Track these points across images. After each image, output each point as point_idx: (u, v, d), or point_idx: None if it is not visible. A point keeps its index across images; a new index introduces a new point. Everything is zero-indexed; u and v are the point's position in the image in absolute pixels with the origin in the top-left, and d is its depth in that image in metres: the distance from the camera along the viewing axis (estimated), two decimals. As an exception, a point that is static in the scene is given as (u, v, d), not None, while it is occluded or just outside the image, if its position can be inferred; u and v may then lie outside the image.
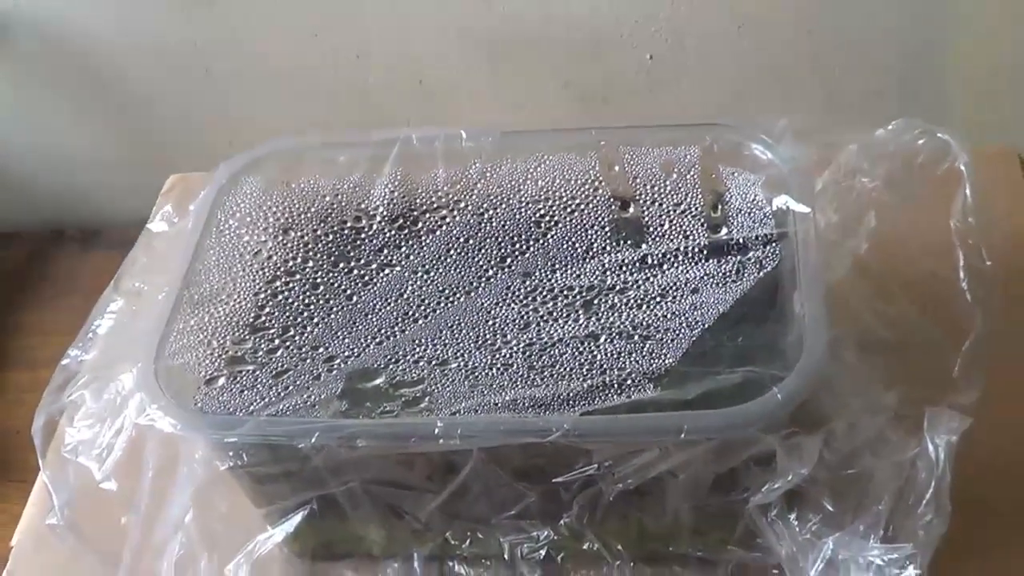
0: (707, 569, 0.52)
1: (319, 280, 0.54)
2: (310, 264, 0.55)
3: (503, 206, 0.56)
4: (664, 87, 1.07)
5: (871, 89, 1.05)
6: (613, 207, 0.55)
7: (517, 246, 0.54)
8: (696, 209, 0.54)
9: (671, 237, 0.53)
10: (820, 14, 1.01)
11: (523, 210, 0.56)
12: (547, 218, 0.55)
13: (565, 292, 0.52)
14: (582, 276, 0.52)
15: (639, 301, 0.50)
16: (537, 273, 0.53)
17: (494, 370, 0.48)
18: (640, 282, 0.51)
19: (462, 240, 0.55)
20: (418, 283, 0.53)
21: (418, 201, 0.57)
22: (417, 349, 0.50)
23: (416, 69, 1.12)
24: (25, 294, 1.24)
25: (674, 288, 0.51)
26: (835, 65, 1.05)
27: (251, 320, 0.53)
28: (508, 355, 0.49)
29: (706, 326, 0.49)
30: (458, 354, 0.49)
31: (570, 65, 1.08)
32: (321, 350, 0.51)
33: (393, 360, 0.50)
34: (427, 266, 0.54)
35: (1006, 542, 0.53)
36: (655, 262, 0.52)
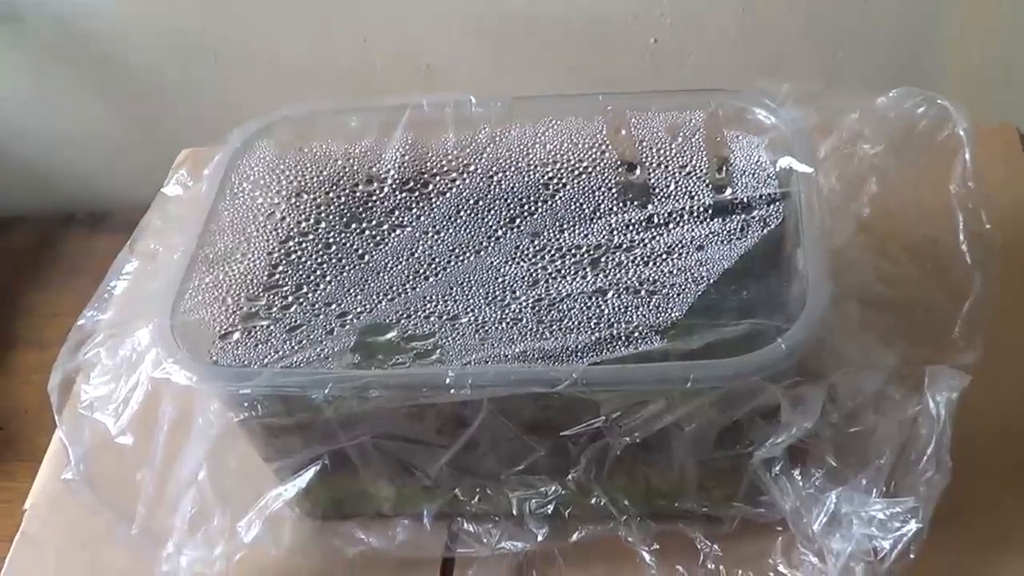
0: (712, 525, 0.53)
1: (331, 240, 0.55)
2: (323, 225, 0.56)
3: (512, 169, 0.57)
4: (667, 70, 1.08)
5: (871, 73, 1.06)
6: (620, 170, 0.56)
7: (526, 207, 0.55)
8: (701, 171, 0.54)
9: (677, 198, 0.54)
10: (822, -3, 1.02)
11: (531, 173, 0.57)
12: (555, 180, 0.56)
13: (573, 251, 0.53)
14: (590, 235, 0.53)
15: (645, 258, 0.51)
16: (545, 233, 0.54)
17: (504, 324, 0.49)
18: (646, 240, 0.52)
19: (472, 202, 0.56)
20: (429, 243, 0.54)
21: (428, 165, 0.58)
22: (428, 305, 0.51)
23: (422, 54, 1.13)
24: (34, 276, 1.26)
25: (680, 246, 0.51)
26: (836, 49, 1.06)
27: (265, 278, 0.54)
28: (517, 310, 0.50)
29: (711, 281, 0.49)
30: (468, 309, 0.50)
31: (575, 48, 1.09)
32: (334, 306, 0.52)
33: (405, 315, 0.50)
34: (437, 227, 0.55)
35: (1003, 499, 0.54)
36: (661, 221, 0.53)
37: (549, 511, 0.52)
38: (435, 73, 1.13)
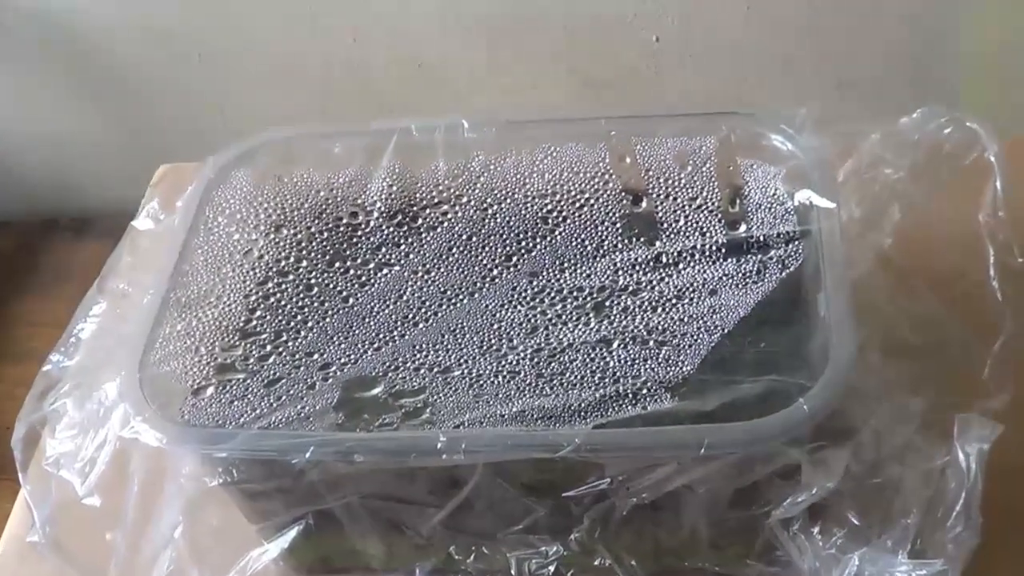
0: (725, 583, 0.50)
1: (313, 281, 0.52)
2: (304, 264, 0.53)
3: (508, 201, 0.54)
4: (670, 71, 1.05)
5: (879, 74, 1.04)
6: (624, 201, 0.53)
7: (523, 244, 0.52)
8: (713, 204, 0.51)
9: (687, 234, 0.51)
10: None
11: (529, 205, 0.54)
12: (554, 213, 0.53)
13: (575, 293, 0.50)
14: (592, 276, 0.50)
15: (653, 303, 0.48)
16: (544, 273, 0.51)
17: (500, 378, 0.46)
18: (654, 283, 0.49)
19: (465, 237, 0.53)
20: (418, 284, 0.51)
21: (418, 196, 0.55)
22: (418, 355, 0.48)
23: (414, 53, 1.10)
24: (17, 284, 1.23)
25: (691, 289, 0.48)
26: (843, 48, 1.03)
27: (241, 324, 0.51)
28: (514, 362, 0.47)
29: (726, 331, 0.46)
30: (461, 361, 0.47)
31: (573, 47, 1.06)
32: (316, 357, 0.49)
33: (392, 367, 0.48)
34: (428, 265, 0.52)
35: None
36: (670, 261, 0.50)
37: (550, 572, 0.49)
38: (428, 73, 1.10)
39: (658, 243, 0.50)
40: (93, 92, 1.22)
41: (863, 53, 1.03)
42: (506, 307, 0.49)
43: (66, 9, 1.13)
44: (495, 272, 0.51)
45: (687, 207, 0.52)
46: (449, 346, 0.48)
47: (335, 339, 0.49)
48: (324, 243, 0.54)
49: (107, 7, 1.13)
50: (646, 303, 0.48)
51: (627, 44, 1.04)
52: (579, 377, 0.46)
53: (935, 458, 0.45)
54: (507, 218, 0.53)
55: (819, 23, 1.01)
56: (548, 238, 0.52)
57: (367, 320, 0.50)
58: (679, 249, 0.50)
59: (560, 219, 0.53)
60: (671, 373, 0.45)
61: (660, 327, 0.47)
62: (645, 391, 0.44)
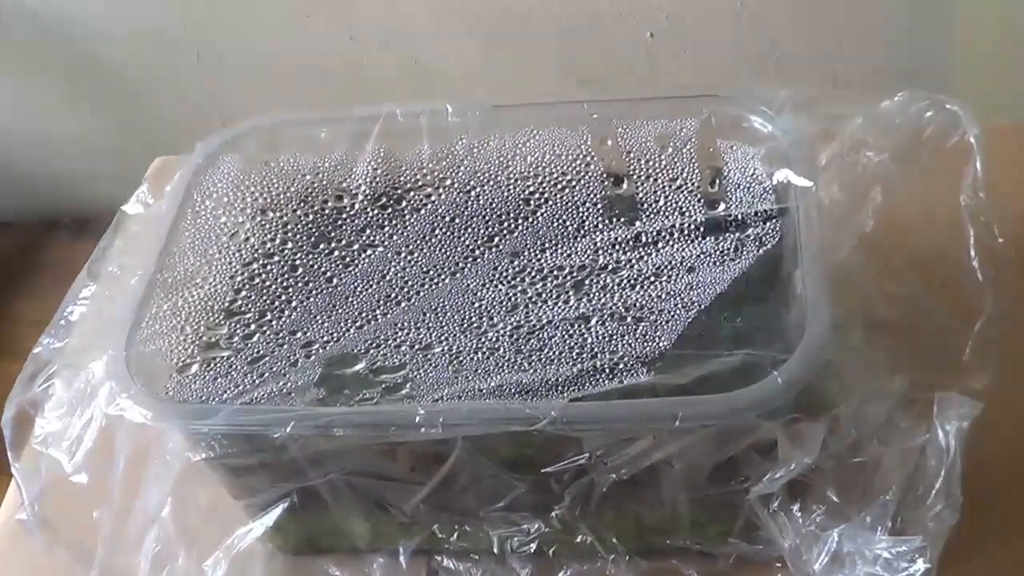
0: (707, 562, 0.50)
1: (298, 262, 0.53)
2: (289, 245, 0.53)
3: (491, 183, 0.54)
4: (663, 67, 1.05)
5: (874, 67, 1.04)
6: (606, 183, 0.53)
7: (505, 225, 0.53)
8: (692, 184, 0.52)
9: (666, 214, 0.51)
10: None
11: (511, 187, 0.54)
12: (536, 195, 0.53)
13: (555, 272, 0.50)
14: (573, 255, 0.50)
15: (632, 281, 0.48)
16: (526, 253, 0.51)
17: (479, 354, 0.47)
18: (633, 261, 0.49)
19: (448, 219, 0.53)
20: (401, 264, 0.52)
21: (402, 179, 0.55)
22: (399, 333, 0.48)
23: (410, 49, 1.10)
24: (17, 284, 1.24)
25: (669, 267, 0.49)
26: (838, 42, 1.03)
27: (227, 304, 0.51)
28: (494, 339, 0.47)
29: (703, 307, 0.47)
30: (442, 338, 0.48)
31: (567, 43, 1.06)
32: (299, 335, 0.49)
33: (374, 345, 0.48)
34: (411, 246, 0.52)
35: (1018, 534, 0.51)
36: (649, 240, 0.50)
37: (532, 549, 0.49)
38: (424, 70, 1.11)
39: (638, 223, 0.51)
40: (92, 94, 1.22)
41: (857, 47, 1.03)
42: (487, 286, 0.50)
43: (66, 12, 1.14)
44: (477, 252, 0.51)
45: (667, 188, 0.52)
46: (430, 324, 0.48)
47: (318, 318, 0.49)
48: (309, 225, 0.54)
49: (107, 10, 1.14)
50: (625, 281, 0.48)
51: (621, 41, 1.05)
52: (557, 353, 0.46)
53: (915, 437, 0.45)
54: (490, 200, 0.53)
55: (812, 18, 1.01)
56: (530, 219, 0.52)
57: (350, 300, 0.50)
58: (658, 228, 0.50)
59: (542, 200, 0.53)
60: (648, 348, 0.45)
61: (638, 304, 0.47)
62: (622, 366, 0.45)
